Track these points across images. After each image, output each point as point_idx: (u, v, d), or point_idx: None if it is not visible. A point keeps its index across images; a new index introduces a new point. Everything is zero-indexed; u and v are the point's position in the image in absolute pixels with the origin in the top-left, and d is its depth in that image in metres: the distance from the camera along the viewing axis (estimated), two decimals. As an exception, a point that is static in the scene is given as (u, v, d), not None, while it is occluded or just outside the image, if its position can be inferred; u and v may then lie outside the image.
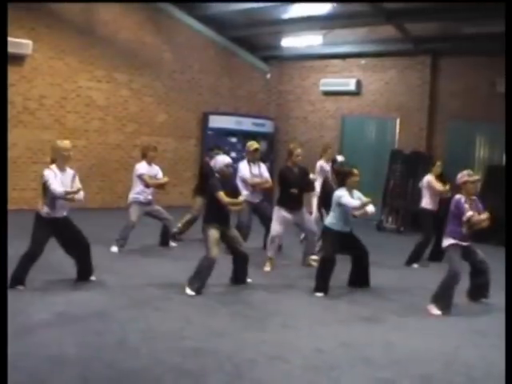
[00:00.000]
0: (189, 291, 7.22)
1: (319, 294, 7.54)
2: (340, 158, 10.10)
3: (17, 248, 7.08)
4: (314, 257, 9.14)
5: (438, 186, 9.83)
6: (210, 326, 6.09)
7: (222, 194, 7.42)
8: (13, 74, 12.39)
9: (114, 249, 9.52)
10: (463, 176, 7.30)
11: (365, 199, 7.71)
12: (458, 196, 7.20)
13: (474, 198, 7.37)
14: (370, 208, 7.76)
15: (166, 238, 10.18)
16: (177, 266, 8.67)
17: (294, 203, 8.86)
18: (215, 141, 13.86)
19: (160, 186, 10.04)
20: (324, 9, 13.83)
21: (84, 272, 7.51)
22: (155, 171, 9.97)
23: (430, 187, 9.84)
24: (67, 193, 6.96)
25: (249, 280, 7.91)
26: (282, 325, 6.26)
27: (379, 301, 7.50)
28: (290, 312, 6.78)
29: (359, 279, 8.02)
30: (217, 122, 16.33)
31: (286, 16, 14.83)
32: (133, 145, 14.97)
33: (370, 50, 15.39)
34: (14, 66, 12.52)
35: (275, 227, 8.89)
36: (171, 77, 15.81)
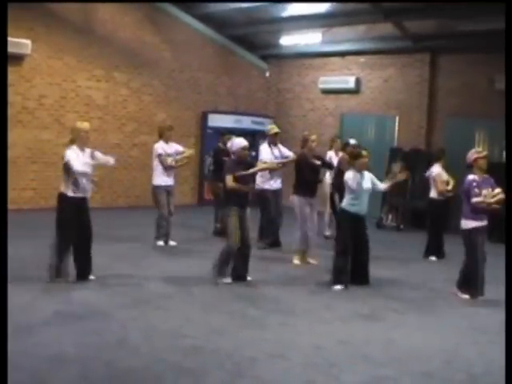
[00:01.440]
0: (224, 280, 7.45)
1: (338, 287, 7.58)
2: (352, 141, 10.09)
3: (16, 247, 7.11)
4: (296, 258, 9.14)
5: (442, 184, 9.85)
6: (210, 324, 6.10)
7: (229, 178, 7.49)
8: (12, 73, 12.36)
9: (160, 243, 9.88)
10: (472, 154, 7.42)
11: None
12: (470, 177, 7.28)
13: (487, 175, 7.43)
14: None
15: (166, 236, 10.19)
16: (177, 264, 8.67)
17: (309, 190, 8.92)
18: (215, 140, 13.85)
19: (181, 164, 10.28)
20: (323, 7, 13.83)
21: (83, 268, 7.49)
22: (173, 149, 10.04)
23: (435, 181, 9.88)
24: (85, 173, 7.20)
25: (249, 278, 7.91)
26: (282, 322, 6.27)
27: (379, 298, 7.50)
28: (290, 310, 6.78)
29: (358, 275, 7.99)
30: (216, 120, 16.33)
31: (284, 14, 14.83)
32: (132, 144, 14.99)
33: (369, 47, 15.39)
34: (13, 65, 12.49)
35: (303, 225, 8.91)
36: (170, 76, 15.81)
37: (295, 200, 8.94)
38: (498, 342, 5.78)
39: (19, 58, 12.85)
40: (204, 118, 16.39)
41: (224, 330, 5.92)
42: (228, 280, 7.51)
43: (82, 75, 14.09)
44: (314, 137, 9.07)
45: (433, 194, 9.96)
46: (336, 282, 7.65)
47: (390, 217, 14.35)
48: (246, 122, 16.50)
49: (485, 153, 7.54)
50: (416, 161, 13.78)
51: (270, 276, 8.38)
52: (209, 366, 4.93)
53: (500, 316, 6.60)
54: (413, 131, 15.01)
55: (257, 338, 5.70)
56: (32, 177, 13.33)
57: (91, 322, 5.97)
